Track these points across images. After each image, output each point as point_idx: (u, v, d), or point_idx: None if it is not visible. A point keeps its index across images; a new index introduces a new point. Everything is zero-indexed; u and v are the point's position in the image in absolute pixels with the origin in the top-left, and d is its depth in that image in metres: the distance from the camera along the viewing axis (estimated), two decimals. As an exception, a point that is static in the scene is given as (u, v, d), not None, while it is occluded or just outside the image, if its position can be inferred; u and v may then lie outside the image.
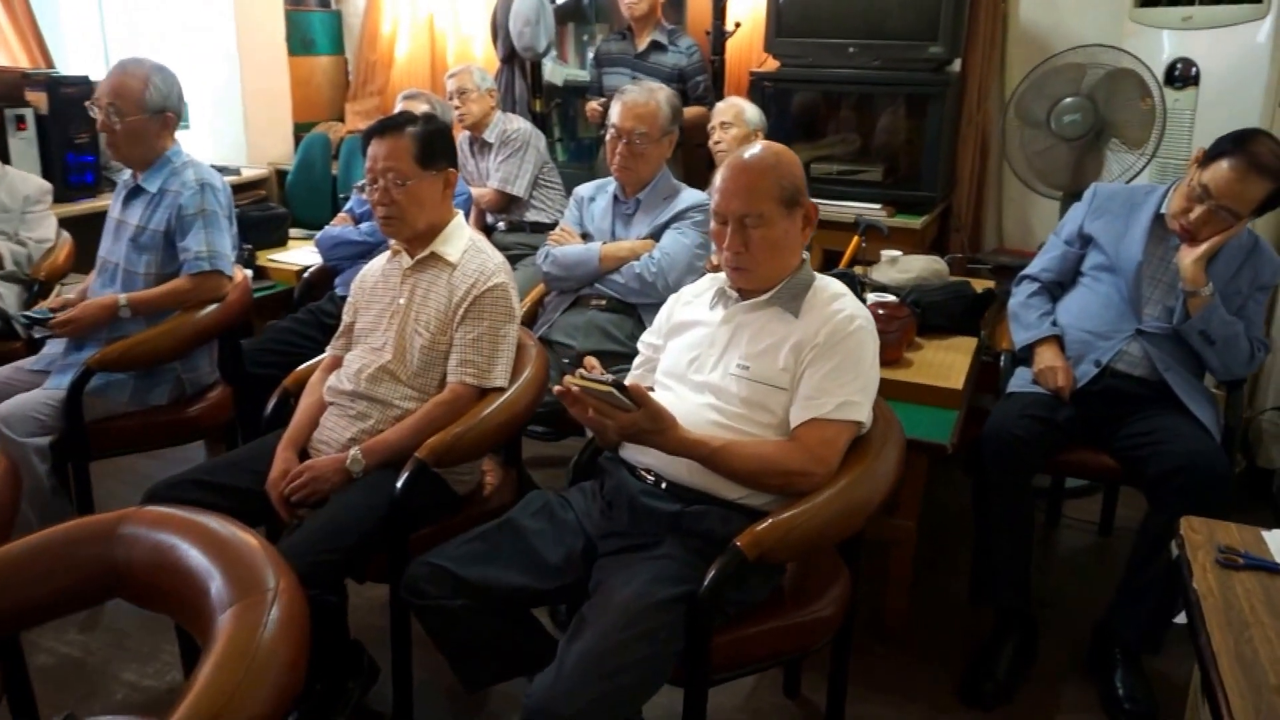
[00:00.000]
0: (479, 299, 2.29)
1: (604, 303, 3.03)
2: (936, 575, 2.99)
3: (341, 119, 5.42)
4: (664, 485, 1.95)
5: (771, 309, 2.01)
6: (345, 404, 2.34)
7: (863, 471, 1.87)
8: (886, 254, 3.58)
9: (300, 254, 3.97)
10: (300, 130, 5.20)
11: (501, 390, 2.31)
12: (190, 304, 2.85)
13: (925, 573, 2.92)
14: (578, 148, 5.07)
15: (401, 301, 2.36)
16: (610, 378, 1.82)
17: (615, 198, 3.13)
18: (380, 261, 2.50)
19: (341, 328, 2.51)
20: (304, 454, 2.34)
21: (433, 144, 2.29)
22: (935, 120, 4.04)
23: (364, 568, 2.17)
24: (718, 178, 2.01)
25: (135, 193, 2.89)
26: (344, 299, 3.24)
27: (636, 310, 3.01)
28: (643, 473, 2.00)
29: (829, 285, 2.05)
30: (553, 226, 4.12)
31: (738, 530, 1.80)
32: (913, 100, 4.21)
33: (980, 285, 3.36)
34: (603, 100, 4.36)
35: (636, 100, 2.98)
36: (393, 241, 2.42)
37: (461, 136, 4.32)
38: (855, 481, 1.85)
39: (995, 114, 4.44)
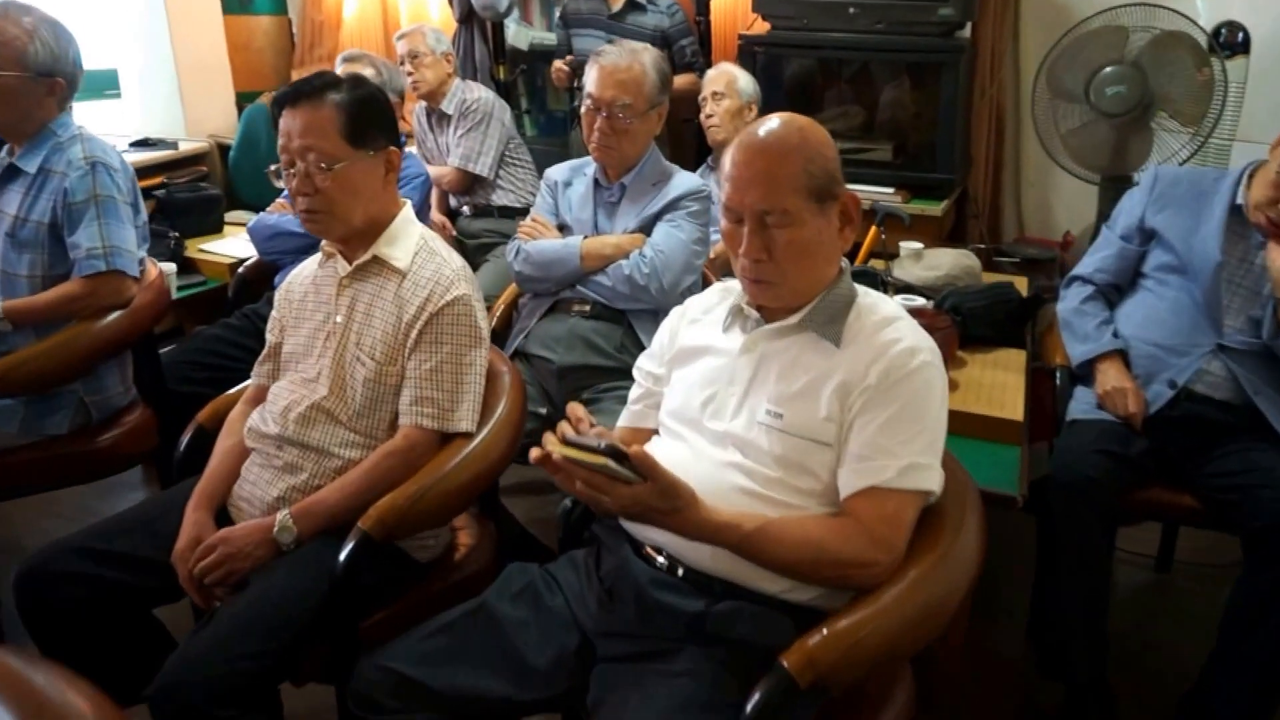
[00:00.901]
0: (436, 317, 1.84)
1: (587, 308, 2.57)
2: (988, 623, 2.57)
3: (286, 87, 4.87)
4: (680, 573, 1.52)
5: (804, 335, 1.58)
6: (270, 451, 1.88)
7: (940, 558, 1.45)
8: (906, 246, 3.16)
9: (238, 243, 3.47)
10: (243, 100, 4.68)
11: (468, 436, 1.86)
12: (86, 312, 2.37)
13: (974, 618, 2.50)
14: (548, 121, 4.59)
15: (338, 320, 1.90)
16: (604, 443, 1.38)
17: (596, 182, 2.67)
18: (310, 266, 2.04)
19: (266, 349, 2.05)
20: (223, 513, 1.89)
21: (364, 115, 1.82)
22: (950, 92, 3.60)
23: (300, 666, 1.72)
24: (727, 162, 1.57)
25: (10, 174, 2.38)
26: (283, 302, 2.81)
27: (626, 317, 2.56)
28: (650, 552, 1.57)
29: (877, 304, 1.62)
30: (524, 211, 3.68)
31: (781, 638, 1.38)
32: (922, 69, 3.77)
33: (1013, 282, 2.93)
34: (570, 59, 3.87)
35: (617, 64, 2.51)
36: (325, 242, 1.96)
37: (417, 108, 3.83)
38: (931, 572, 1.43)
39: (1009, 85, 4.02)
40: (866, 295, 1.64)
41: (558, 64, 3.90)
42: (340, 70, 3.13)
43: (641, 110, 2.53)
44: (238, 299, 3.09)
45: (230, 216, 3.81)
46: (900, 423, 1.48)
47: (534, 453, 1.43)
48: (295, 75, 4.86)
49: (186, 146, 4.22)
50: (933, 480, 1.50)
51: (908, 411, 1.49)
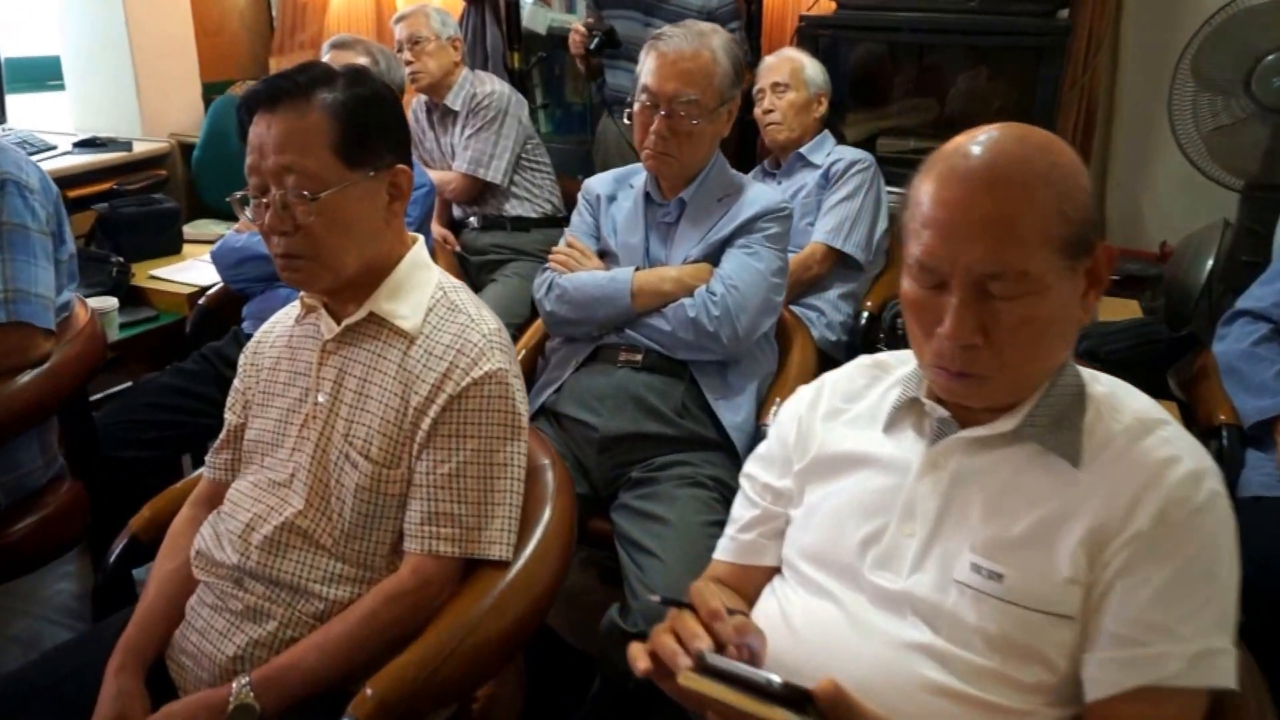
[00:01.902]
0: (458, 401, 1.32)
1: (638, 358, 2.02)
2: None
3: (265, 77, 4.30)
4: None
5: (1024, 448, 1.07)
6: (226, 589, 1.34)
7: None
8: None
9: (199, 268, 2.86)
10: (211, 92, 4.10)
11: (503, 565, 1.32)
12: (-14, 374, 1.81)
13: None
14: (566, 116, 4.02)
15: (320, 399, 1.38)
16: (776, 680, 0.84)
17: (647, 197, 2.13)
18: (285, 319, 1.52)
19: (224, 433, 1.51)
20: (160, 668, 1.35)
21: (366, 122, 1.33)
22: (1048, 83, 3.05)
23: None
24: (924, 196, 1.05)
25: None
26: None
27: (688, 370, 2.01)
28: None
29: (1118, 396, 1.10)
30: (541, 224, 3.14)
31: None
32: (1014, 55, 3.22)
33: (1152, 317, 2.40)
34: (589, 22, 3.30)
35: (681, 51, 1.97)
36: (305, 293, 1.43)
37: (416, 102, 3.27)
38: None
39: (1103, 73, 3.47)
40: (1096, 381, 1.11)
41: (578, 26, 3.33)
42: (328, 59, 2.57)
43: (710, 108, 2.00)
44: (197, 337, 2.52)
45: (191, 230, 3.18)
46: (1186, 587, 0.98)
47: (639, 664, 0.90)
48: (274, 65, 4.28)
49: (142, 147, 3.61)
50: (1229, 669, 0.98)
51: (1196, 569, 0.98)
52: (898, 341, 2.38)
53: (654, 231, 2.12)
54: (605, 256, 2.15)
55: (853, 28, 3.19)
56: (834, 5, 3.27)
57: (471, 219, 3.22)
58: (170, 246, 2.98)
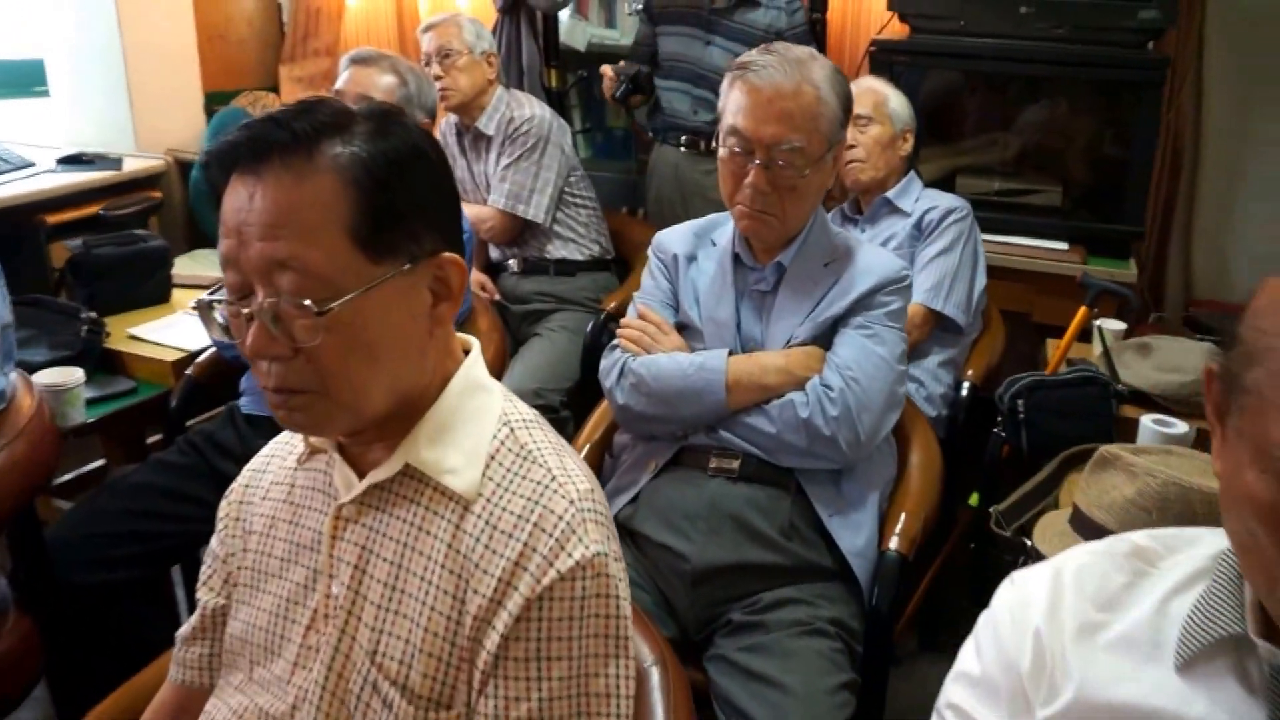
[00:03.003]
0: (541, 605, 0.92)
1: (734, 465, 1.67)
2: None
3: (274, 88, 3.93)
4: None
5: None
6: None
7: None
8: (1110, 327, 2.30)
9: (188, 325, 2.39)
10: (214, 103, 3.74)
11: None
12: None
13: None
14: (607, 142, 3.66)
15: (336, 590, 1.00)
16: None
17: (736, 259, 1.77)
18: (282, 453, 1.14)
19: (196, 618, 1.14)
20: None
21: (399, 188, 0.93)
22: (1147, 119, 2.72)
23: None
24: None
25: None
26: (252, 421, 1.87)
27: (794, 480, 1.66)
28: None
29: None
30: (589, 267, 2.79)
31: None
32: (1112, 88, 2.88)
33: None
34: (622, 66, 2.94)
35: (780, 87, 1.61)
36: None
37: (445, 123, 2.91)
38: None
39: (1188, 109, 3.12)
40: None
41: (605, 70, 2.96)
42: (347, 77, 2.21)
43: (817, 156, 1.65)
44: (184, 415, 2.12)
45: (185, 270, 2.70)
46: None
47: None
48: (285, 74, 3.91)
49: (134, 165, 3.21)
50: None
51: None
52: (1019, 428, 2.03)
53: (746, 303, 1.76)
54: (684, 331, 1.79)
55: (931, 54, 2.83)
56: (906, 28, 2.91)
57: (510, 262, 2.86)
58: (156, 294, 2.52)
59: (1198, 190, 3.20)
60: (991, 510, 1.72)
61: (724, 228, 1.83)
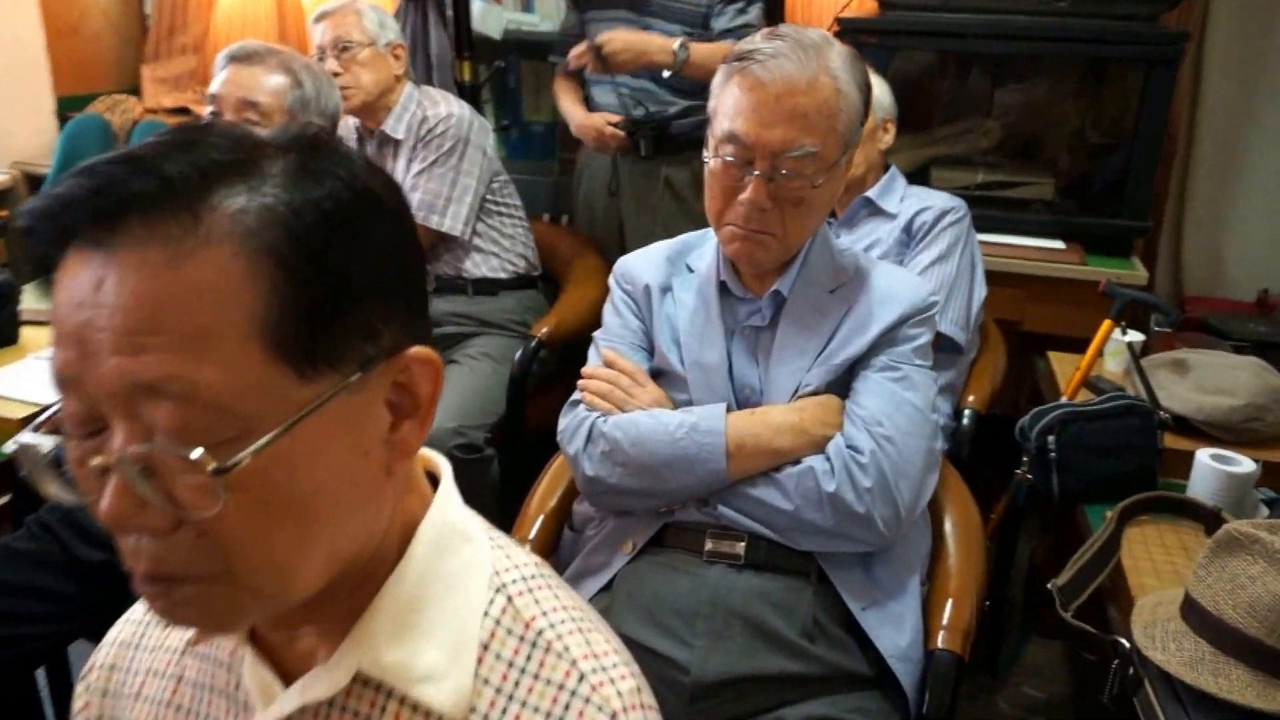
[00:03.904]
0: None
1: (739, 549, 1.31)
2: None
3: (135, 91, 3.45)
4: None
5: None
6: None
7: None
8: (1120, 342, 2.02)
9: (38, 374, 1.89)
10: (67, 108, 3.26)
11: None
12: None
13: None
14: (525, 139, 3.26)
15: None
16: None
17: (722, 288, 1.41)
18: (163, 638, 0.75)
19: None
20: None
21: (334, 259, 0.57)
22: (1156, 101, 2.43)
23: None
24: None
25: None
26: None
27: (815, 565, 1.30)
28: None
29: None
30: (513, 285, 2.40)
31: None
32: (1116, 67, 2.59)
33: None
34: (599, 43, 2.51)
35: (791, 79, 1.26)
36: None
37: (344, 126, 2.48)
38: None
39: (1184, 93, 2.87)
40: None
41: (600, 122, 2.53)
42: (225, 78, 1.83)
43: (831, 161, 1.30)
44: (33, 492, 1.68)
45: (34, 306, 2.11)
46: None
47: None
48: (147, 74, 3.44)
49: (-24, 181, 2.77)
50: None
51: None
52: (1048, 470, 1.71)
53: (738, 342, 1.40)
54: (661, 379, 1.43)
55: (909, 33, 2.51)
56: (873, 4, 2.59)
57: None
58: (3, 336, 2.07)
59: (1191, 179, 2.94)
60: (1052, 587, 1.39)
61: (701, 249, 1.47)
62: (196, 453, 0.52)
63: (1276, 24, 2.74)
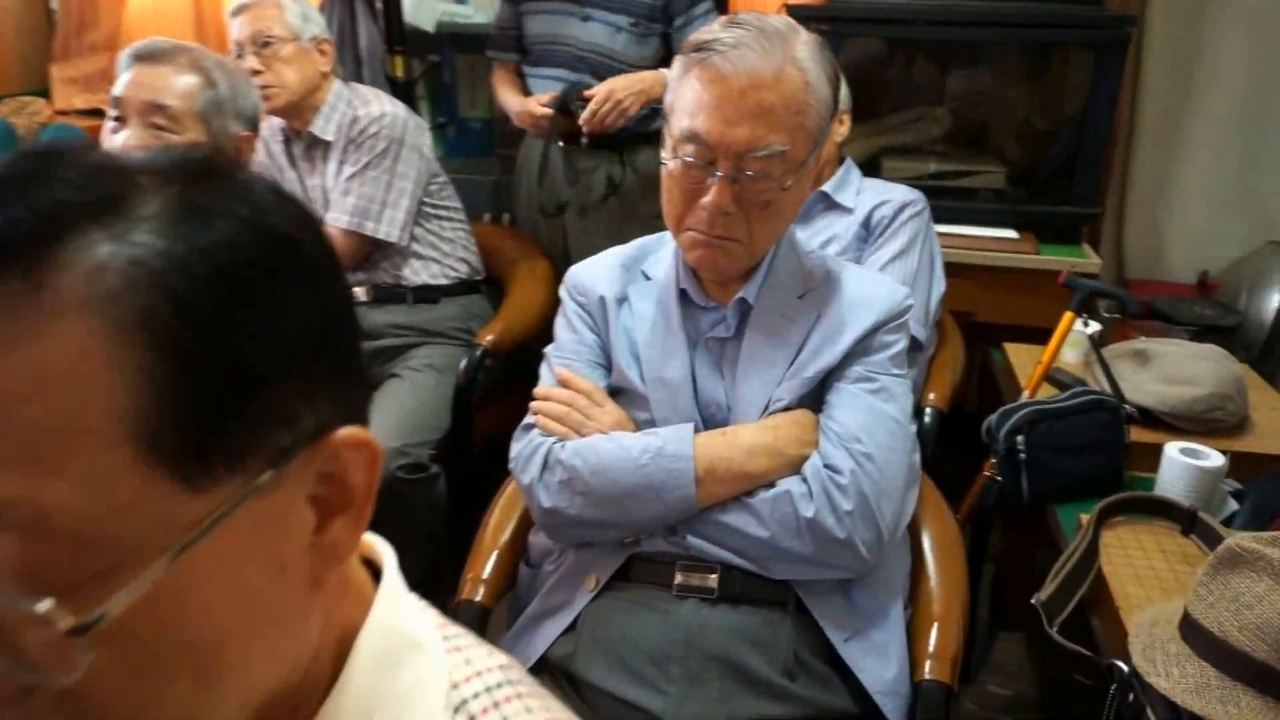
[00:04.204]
0: None
1: (712, 581, 1.22)
2: None
3: (44, 92, 3.25)
4: None
5: None
6: None
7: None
8: (1081, 333, 1.97)
9: None
10: (-31, 111, 3.06)
11: None
12: None
13: None
14: (463, 137, 3.13)
15: None
16: None
17: (683, 296, 1.32)
18: None
19: None
20: None
21: (233, 329, 0.43)
22: (1105, 86, 2.40)
23: None
24: None
25: None
26: None
27: (792, 594, 1.22)
28: None
29: None
30: (456, 291, 2.31)
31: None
32: (1062, 55, 2.55)
33: None
34: (553, 97, 2.38)
35: (756, 72, 1.16)
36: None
37: (268, 129, 2.34)
38: None
39: (1126, 73, 2.83)
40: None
41: (535, 104, 2.40)
42: (129, 79, 1.68)
43: (800, 160, 1.21)
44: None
45: None
46: None
47: None
48: (56, 74, 3.24)
49: None
50: None
51: None
52: (1018, 470, 1.66)
53: (702, 354, 1.31)
54: (620, 397, 1.33)
55: (857, 20, 2.44)
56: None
57: (358, 290, 2.32)
58: None
59: (1133, 163, 2.90)
60: (1036, 603, 1.33)
61: (658, 255, 1.38)
62: (44, 605, 0.39)
63: (1213, 6, 2.71)
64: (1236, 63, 2.73)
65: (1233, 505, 1.61)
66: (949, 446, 1.99)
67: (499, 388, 2.40)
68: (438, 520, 2.19)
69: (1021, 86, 2.67)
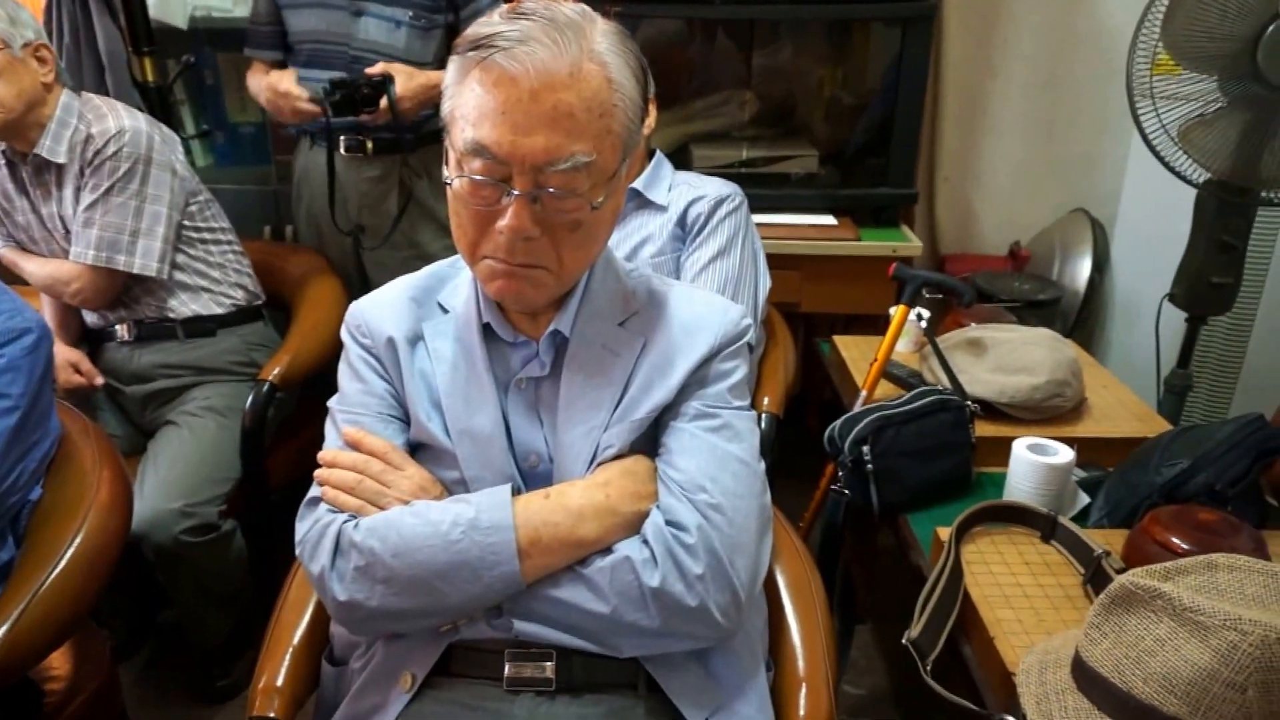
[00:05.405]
0: None
1: (547, 671, 1.04)
2: None
3: None
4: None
5: None
6: None
7: None
8: (913, 322, 1.91)
9: None
10: None
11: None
12: None
13: None
14: (233, 144, 2.81)
15: None
16: None
17: (487, 330, 1.12)
18: None
19: None
20: None
21: None
22: (915, 63, 2.33)
23: None
24: None
25: None
26: None
27: (642, 672, 1.06)
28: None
29: None
30: (235, 320, 2.08)
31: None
32: (863, 29, 2.47)
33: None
34: (314, 94, 2.12)
35: (549, 69, 0.96)
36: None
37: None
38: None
39: (934, 43, 2.80)
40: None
41: (296, 96, 2.13)
42: None
43: (611, 170, 1.03)
44: None
45: None
46: None
47: None
48: None
49: None
50: None
51: None
52: (866, 482, 1.55)
53: (514, 398, 1.12)
54: (420, 454, 1.13)
55: (652, 0, 2.28)
56: (613, -30, 2.35)
57: (118, 328, 2.02)
58: None
59: (939, 137, 2.88)
60: (907, 641, 1.20)
61: (455, 282, 1.18)
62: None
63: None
64: (1033, 30, 2.73)
65: (1084, 499, 1.55)
66: (780, 440, 1.87)
67: (293, 422, 2.17)
68: (237, 580, 1.96)
69: (828, 64, 2.59)
